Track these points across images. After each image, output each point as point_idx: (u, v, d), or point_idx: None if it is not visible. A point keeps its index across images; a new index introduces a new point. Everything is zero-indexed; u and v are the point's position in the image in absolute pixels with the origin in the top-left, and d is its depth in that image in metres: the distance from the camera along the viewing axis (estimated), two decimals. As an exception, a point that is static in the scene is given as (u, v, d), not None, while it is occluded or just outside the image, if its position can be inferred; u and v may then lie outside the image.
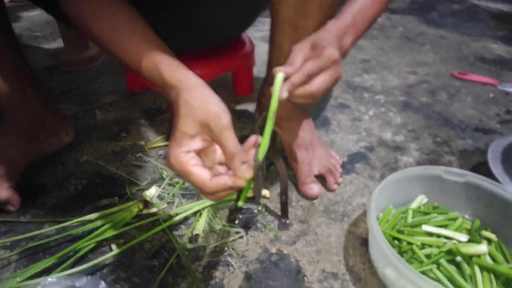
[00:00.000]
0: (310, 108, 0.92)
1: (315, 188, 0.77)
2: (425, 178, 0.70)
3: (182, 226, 0.72)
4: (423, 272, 0.58)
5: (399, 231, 0.64)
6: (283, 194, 0.71)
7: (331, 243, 0.68)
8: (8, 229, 0.71)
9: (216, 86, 1.18)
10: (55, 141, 0.90)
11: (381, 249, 0.54)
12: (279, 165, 0.73)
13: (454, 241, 0.61)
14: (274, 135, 0.82)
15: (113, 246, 0.66)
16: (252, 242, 0.68)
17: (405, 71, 1.32)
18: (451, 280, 0.56)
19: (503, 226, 0.64)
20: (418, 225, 0.65)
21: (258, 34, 1.61)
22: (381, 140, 0.96)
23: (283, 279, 0.62)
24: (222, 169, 0.49)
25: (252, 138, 0.49)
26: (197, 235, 0.68)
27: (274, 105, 0.50)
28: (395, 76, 1.28)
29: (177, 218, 0.71)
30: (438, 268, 0.58)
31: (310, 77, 0.52)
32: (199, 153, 0.47)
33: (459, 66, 1.34)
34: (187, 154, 0.45)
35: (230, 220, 0.73)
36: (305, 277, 0.62)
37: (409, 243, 0.62)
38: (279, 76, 0.52)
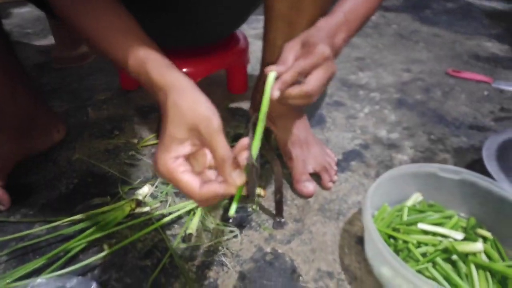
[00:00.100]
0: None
1: (310, 186, 0.76)
2: (420, 175, 0.69)
3: (175, 225, 0.71)
4: (419, 271, 0.57)
5: (394, 229, 0.64)
6: (278, 192, 0.70)
7: (326, 241, 0.68)
8: (-3, 229, 0.70)
9: (210, 83, 1.17)
10: (46, 139, 0.88)
11: (376, 248, 0.54)
12: (273, 163, 0.72)
13: (450, 239, 0.61)
14: (268, 133, 0.81)
15: (105, 246, 0.65)
16: (247, 241, 0.68)
17: (399, 68, 1.32)
18: (447, 278, 0.56)
19: (498, 224, 0.64)
20: (414, 223, 0.64)
21: (252, 32, 1.60)
22: (376, 137, 0.95)
23: (278, 278, 0.61)
24: (212, 174, 0.47)
25: (243, 141, 0.47)
26: (190, 234, 0.67)
27: (265, 104, 0.50)
28: (390, 74, 1.28)
29: (170, 217, 0.70)
30: (434, 266, 0.58)
31: (302, 75, 0.52)
32: (188, 157, 0.46)
33: (453, 64, 1.34)
34: (175, 160, 0.44)
35: (224, 219, 0.72)
36: (300, 277, 0.61)
37: (405, 242, 0.61)
38: (271, 75, 0.51)
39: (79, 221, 0.69)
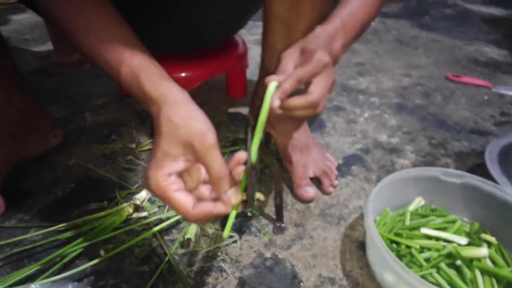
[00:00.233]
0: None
1: (310, 191, 0.75)
2: (422, 179, 0.68)
3: (174, 231, 0.69)
4: (423, 276, 0.56)
5: (397, 234, 0.63)
6: (278, 197, 0.69)
7: (328, 247, 0.66)
8: (-8, 235, 0.69)
9: (210, 88, 1.16)
10: (42, 143, 0.87)
11: (379, 253, 0.53)
12: (273, 167, 0.71)
13: (454, 244, 0.60)
14: (268, 137, 0.80)
15: (102, 252, 0.64)
16: (246, 247, 0.66)
17: (399, 73, 1.31)
18: (452, 284, 0.55)
19: (502, 229, 0.63)
20: (416, 228, 0.63)
21: (251, 38, 1.60)
22: (376, 142, 0.94)
23: (278, 284, 0.60)
24: (206, 189, 0.45)
25: (239, 155, 0.44)
26: (189, 239, 0.66)
27: (264, 114, 0.48)
28: (389, 79, 1.27)
29: (168, 222, 0.69)
30: (438, 272, 0.57)
31: (302, 83, 0.50)
32: (182, 173, 0.44)
33: (452, 69, 1.34)
34: (168, 177, 0.42)
35: (223, 224, 0.71)
36: (301, 283, 0.60)
37: (408, 247, 0.60)
38: (272, 85, 0.49)
39: (76, 226, 0.68)
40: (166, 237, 0.68)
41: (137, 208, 0.72)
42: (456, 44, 1.56)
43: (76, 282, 0.55)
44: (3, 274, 0.61)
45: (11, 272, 0.60)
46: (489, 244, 0.61)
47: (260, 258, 0.64)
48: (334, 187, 0.79)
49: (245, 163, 0.44)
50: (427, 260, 0.59)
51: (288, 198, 0.77)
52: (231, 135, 0.96)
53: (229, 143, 0.92)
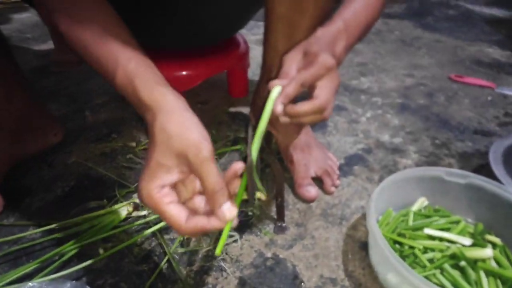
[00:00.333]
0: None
1: (312, 190, 0.74)
2: (425, 179, 0.67)
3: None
4: (426, 277, 0.55)
5: (399, 235, 0.62)
6: (279, 196, 0.68)
7: (329, 247, 0.65)
8: (-10, 233, 0.68)
9: (211, 87, 1.16)
10: (42, 141, 0.86)
11: (382, 253, 0.52)
12: (274, 166, 0.70)
13: (458, 245, 0.59)
14: (269, 136, 0.79)
15: (101, 250, 0.63)
16: (247, 246, 0.65)
17: (401, 74, 1.30)
18: (456, 285, 0.54)
19: (507, 230, 0.62)
20: (420, 228, 0.62)
21: (253, 38, 1.59)
22: (378, 142, 0.93)
23: (279, 285, 0.59)
24: (201, 201, 0.44)
25: (235, 166, 0.43)
26: (189, 238, 0.65)
27: (265, 120, 0.47)
28: (392, 79, 1.26)
29: (168, 221, 0.68)
30: (441, 273, 0.56)
31: (305, 86, 0.49)
32: (176, 183, 0.42)
33: (455, 69, 1.33)
34: (161, 189, 0.40)
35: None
36: (302, 283, 0.59)
37: (411, 247, 0.59)
38: (275, 90, 0.48)
39: (75, 224, 0.67)
40: (166, 236, 0.67)
41: (137, 207, 0.71)
42: (459, 45, 1.55)
43: (74, 281, 0.54)
44: (1, 272, 0.60)
45: (9, 270, 0.60)
46: (494, 245, 0.60)
47: (260, 258, 0.63)
48: (336, 186, 0.78)
49: (244, 161, 0.43)
50: (431, 261, 0.58)
51: (289, 197, 0.76)
52: (232, 134, 0.95)
53: (230, 142, 0.92)
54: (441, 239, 0.60)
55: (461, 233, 0.62)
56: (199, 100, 1.09)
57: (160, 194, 0.40)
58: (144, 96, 0.43)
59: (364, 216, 0.71)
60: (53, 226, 0.67)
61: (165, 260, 0.62)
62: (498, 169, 0.69)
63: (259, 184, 0.76)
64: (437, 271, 0.56)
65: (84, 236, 0.64)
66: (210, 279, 0.60)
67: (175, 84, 1.02)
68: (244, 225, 0.69)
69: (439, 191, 0.68)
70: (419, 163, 0.86)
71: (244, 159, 0.45)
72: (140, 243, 0.66)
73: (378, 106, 1.09)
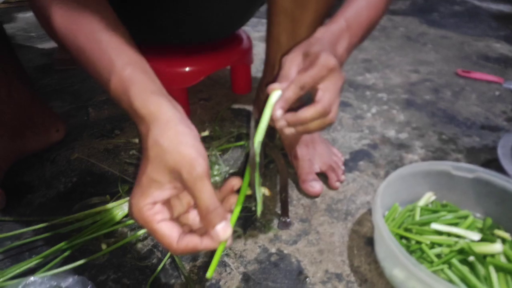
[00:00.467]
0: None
1: (316, 185, 0.73)
2: (432, 174, 0.66)
3: (177, 225, 0.68)
4: (434, 273, 0.54)
5: (406, 230, 0.61)
6: (283, 191, 0.67)
7: (334, 242, 0.64)
8: (-8, 228, 0.67)
9: (214, 84, 1.15)
10: (43, 138, 0.86)
11: (388, 248, 0.51)
12: (278, 162, 0.69)
13: (466, 240, 0.57)
14: (273, 132, 0.78)
15: (103, 246, 0.62)
16: (251, 242, 0.65)
17: (407, 69, 1.29)
18: (464, 281, 0.53)
19: (516, 224, 0.60)
20: (427, 223, 0.61)
21: (256, 34, 1.59)
22: (384, 137, 0.92)
23: (283, 280, 0.58)
24: (196, 216, 0.43)
25: (232, 181, 0.41)
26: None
27: (263, 125, 0.45)
28: (397, 75, 1.25)
29: (171, 217, 0.67)
30: (449, 268, 0.54)
31: (305, 89, 0.46)
32: (170, 199, 0.41)
33: (462, 64, 1.31)
34: (152, 207, 0.39)
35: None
36: (307, 278, 0.58)
37: (418, 242, 0.58)
38: (275, 94, 0.46)
39: (77, 220, 0.66)
40: (169, 232, 0.66)
41: (140, 202, 0.70)
42: (466, 40, 1.53)
43: (76, 276, 0.53)
44: (3, 267, 0.60)
45: (12, 265, 0.59)
46: (503, 240, 0.59)
47: (265, 253, 0.62)
48: (341, 182, 0.77)
49: (247, 156, 0.42)
50: (438, 256, 0.56)
51: (293, 193, 0.75)
52: (235, 130, 0.94)
53: (233, 138, 0.91)
54: (448, 234, 0.59)
55: (470, 228, 0.60)
56: (202, 97, 1.08)
57: (152, 212, 0.38)
58: (139, 106, 0.40)
59: (369, 212, 0.70)
60: (55, 221, 0.66)
61: (168, 255, 0.61)
62: (507, 163, 0.68)
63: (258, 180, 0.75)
64: (445, 266, 0.54)
65: (87, 232, 0.64)
66: (213, 275, 0.59)
67: (178, 80, 1.02)
68: (248, 221, 0.69)
69: (446, 186, 0.66)
70: (425, 158, 0.85)
71: (247, 155, 0.44)
72: (143, 238, 0.65)
73: (383, 102, 1.08)
